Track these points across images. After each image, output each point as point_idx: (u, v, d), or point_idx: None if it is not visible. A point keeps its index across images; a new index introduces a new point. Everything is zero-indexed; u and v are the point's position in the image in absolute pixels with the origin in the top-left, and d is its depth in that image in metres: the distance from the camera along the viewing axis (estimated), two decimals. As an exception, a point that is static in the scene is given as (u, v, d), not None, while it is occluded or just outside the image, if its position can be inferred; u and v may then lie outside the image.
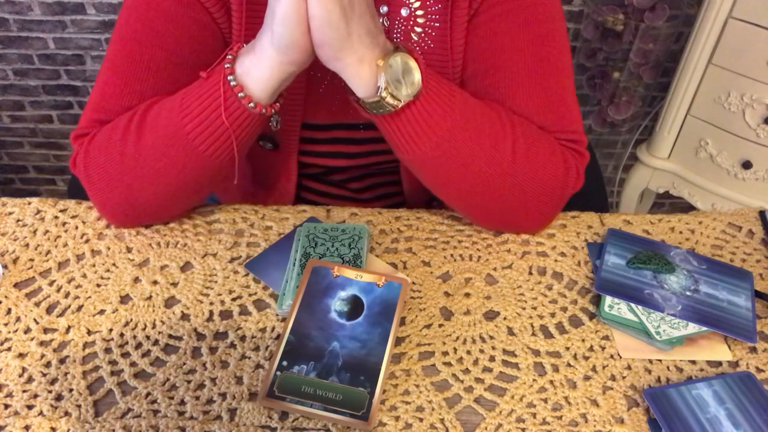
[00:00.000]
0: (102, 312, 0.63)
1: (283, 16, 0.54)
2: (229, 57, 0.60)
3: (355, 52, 0.57)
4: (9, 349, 0.59)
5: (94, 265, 0.67)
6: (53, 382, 0.57)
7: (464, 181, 0.65)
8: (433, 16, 0.69)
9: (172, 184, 0.65)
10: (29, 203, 0.74)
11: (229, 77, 0.59)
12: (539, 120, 0.68)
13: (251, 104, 0.60)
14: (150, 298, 0.64)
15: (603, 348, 0.61)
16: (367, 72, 0.58)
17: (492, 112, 0.64)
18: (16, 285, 0.65)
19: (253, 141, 0.66)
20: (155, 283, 0.66)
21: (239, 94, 0.59)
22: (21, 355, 0.59)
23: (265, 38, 0.57)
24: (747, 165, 1.38)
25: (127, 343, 0.60)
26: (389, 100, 0.58)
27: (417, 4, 0.69)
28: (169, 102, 0.62)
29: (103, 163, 0.64)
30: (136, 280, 0.66)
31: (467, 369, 0.59)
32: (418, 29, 0.70)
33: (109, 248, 0.69)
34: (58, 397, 0.56)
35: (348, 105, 0.75)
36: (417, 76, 0.59)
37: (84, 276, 0.66)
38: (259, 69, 0.59)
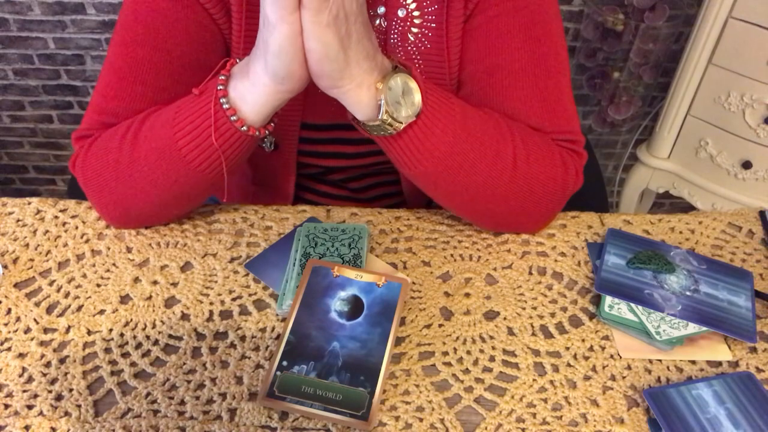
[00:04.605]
0: (102, 312, 0.63)
1: (278, 49, 0.53)
2: (222, 78, 0.59)
3: (353, 79, 0.56)
4: (9, 349, 0.59)
5: (94, 265, 0.67)
6: (53, 382, 0.57)
7: (467, 191, 0.64)
8: (430, 17, 0.69)
9: (165, 194, 0.65)
10: (29, 203, 0.74)
11: (222, 100, 0.58)
12: (536, 121, 0.67)
13: (244, 127, 0.59)
14: (150, 298, 0.64)
15: (603, 348, 0.61)
16: (367, 96, 0.57)
17: (491, 121, 0.64)
18: (16, 285, 0.65)
19: (246, 158, 0.66)
20: (155, 283, 0.66)
21: (232, 117, 0.59)
22: (21, 355, 0.59)
23: (258, 66, 0.57)
24: (747, 165, 1.38)
25: (127, 343, 0.60)
26: (390, 122, 0.58)
27: (413, 5, 0.69)
28: (163, 114, 0.62)
29: (99, 169, 0.65)
30: (136, 280, 0.66)
31: (467, 369, 0.59)
32: (415, 30, 0.70)
33: (109, 248, 0.69)
34: (58, 397, 0.56)
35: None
36: (417, 97, 0.58)
37: (84, 276, 0.66)
38: (254, 95, 0.58)
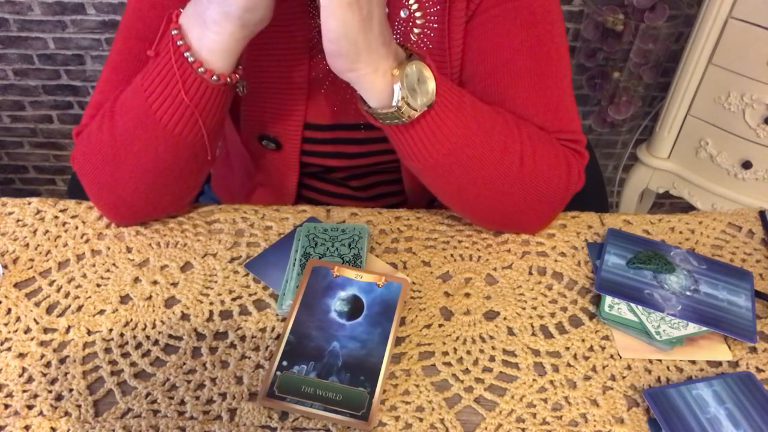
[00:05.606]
0: (102, 312, 0.63)
1: (254, 5, 0.54)
2: (175, 33, 0.58)
3: (371, 63, 0.55)
4: (9, 349, 0.59)
5: (94, 265, 0.67)
6: (53, 382, 0.57)
7: (473, 187, 0.64)
8: (432, 18, 0.69)
9: (151, 170, 0.64)
10: (29, 203, 0.74)
11: (186, 54, 0.57)
12: (538, 120, 0.67)
13: (214, 77, 0.58)
14: (150, 298, 0.64)
15: (603, 348, 0.61)
16: (382, 82, 0.57)
17: (499, 117, 0.64)
18: (16, 285, 0.65)
19: (225, 114, 0.64)
20: (155, 283, 0.66)
21: (199, 69, 0.58)
22: (21, 355, 0.59)
23: (216, 16, 0.55)
24: (747, 165, 1.38)
25: (127, 343, 0.60)
26: (405, 110, 0.57)
27: (415, 6, 0.69)
28: (132, 85, 0.61)
29: (89, 156, 0.65)
30: (136, 280, 0.66)
31: (467, 369, 0.59)
32: (417, 30, 0.70)
33: (109, 248, 0.69)
34: (58, 397, 0.56)
35: (349, 105, 0.75)
36: (431, 85, 0.58)
37: (84, 276, 0.66)
38: (221, 44, 0.57)
